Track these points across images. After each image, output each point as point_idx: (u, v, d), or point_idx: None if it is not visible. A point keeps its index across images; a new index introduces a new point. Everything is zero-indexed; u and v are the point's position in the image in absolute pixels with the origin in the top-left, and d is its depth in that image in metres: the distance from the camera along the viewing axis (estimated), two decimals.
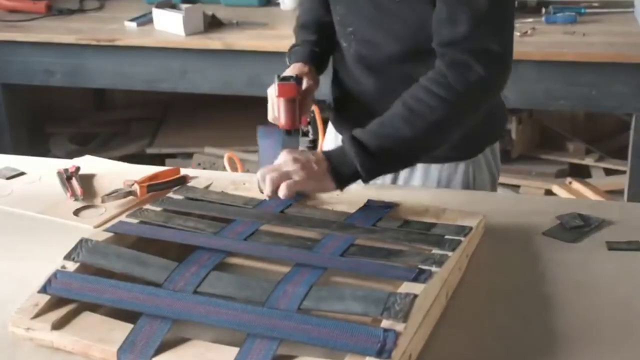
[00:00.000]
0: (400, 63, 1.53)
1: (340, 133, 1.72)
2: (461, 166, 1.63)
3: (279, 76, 1.55)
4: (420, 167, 1.63)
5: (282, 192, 1.34)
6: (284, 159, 1.38)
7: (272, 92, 1.57)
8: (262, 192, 1.38)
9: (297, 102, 1.54)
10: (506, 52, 1.40)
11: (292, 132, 1.53)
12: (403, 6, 1.47)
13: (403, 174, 1.64)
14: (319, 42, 1.69)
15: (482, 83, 1.38)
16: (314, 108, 1.66)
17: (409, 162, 1.43)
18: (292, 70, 1.62)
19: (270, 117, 1.60)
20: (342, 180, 1.38)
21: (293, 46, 1.71)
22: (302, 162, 1.36)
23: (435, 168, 1.63)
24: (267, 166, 1.39)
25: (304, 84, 1.57)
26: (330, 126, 1.78)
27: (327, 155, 1.39)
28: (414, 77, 1.44)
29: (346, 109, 1.70)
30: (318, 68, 1.67)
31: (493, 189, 1.72)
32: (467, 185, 1.65)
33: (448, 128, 1.40)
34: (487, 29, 1.37)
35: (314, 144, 1.63)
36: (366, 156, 1.36)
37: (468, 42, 1.37)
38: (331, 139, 1.76)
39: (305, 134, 1.61)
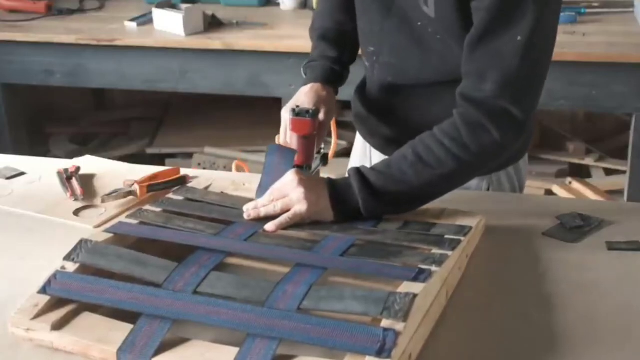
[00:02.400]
0: (430, 87, 1.50)
1: (365, 139, 1.71)
2: (475, 181, 1.58)
3: (294, 110, 1.47)
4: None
5: (271, 228, 1.32)
6: (289, 179, 1.35)
7: (286, 115, 1.50)
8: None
9: (313, 138, 1.48)
10: (527, 118, 1.34)
11: (304, 167, 1.46)
12: (444, 43, 1.42)
13: None
14: (340, 59, 1.61)
15: (496, 147, 1.34)
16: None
17: (412, 207, 1.38)
18: (309, 93, 1.53)
19: (281, 141, 1.53)
20: (341, 213, 1.35)
21: (310, 60, 1.62)
22: (305, 189, 1.33)
23: (493, 175, 1.60)
24: (273, 188, 1.37)
25: (321, 115, 1.50)
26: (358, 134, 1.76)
27: (332, 184, 1.35)
28: (444, 98, 1.43)
29: (371, 122, 1.66)
30: (337, 85, 1.61)
31: None
32: (517, 186, 1.64)
33: (454, 181, 1.39)
34: (513, 92, 1.31)
35: (324, 159, 1.57)
36: (370, 194, 1.34)
37: (490, 101, 1.31)
38: (359, 147, 1.76)
39: (317, 151, 1.54)
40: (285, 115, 1.51)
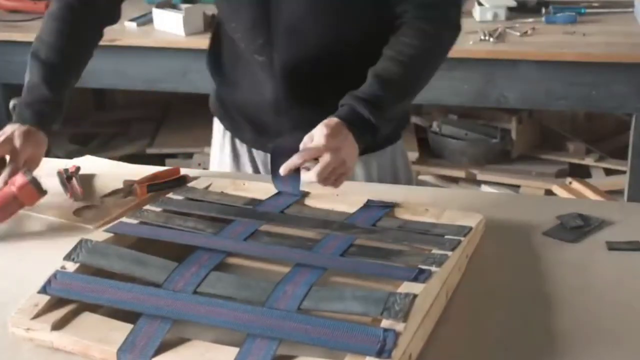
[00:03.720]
0: (338, 63, 1.55)
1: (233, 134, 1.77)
2: (389, 149, 1.71)
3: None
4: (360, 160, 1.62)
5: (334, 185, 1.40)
6: (332, 155, 1.36)
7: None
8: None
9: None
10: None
11: None
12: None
13: None
14: (56, 99, 1.56)
15: (456, 12, 1.54)
16: None
17: (408, 99, 1.52)
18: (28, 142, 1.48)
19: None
20: (364, 143, 1.43)
21: (29, 102, 1.53)
22: (346, 150, 1.38)
23: (372, 157, 1.68)
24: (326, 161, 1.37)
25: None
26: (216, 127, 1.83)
27: (349, 124, 1.39)
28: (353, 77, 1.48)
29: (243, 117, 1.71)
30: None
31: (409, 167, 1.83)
32: (401, 167, 1.74)
33: (439, 58, 1.53)
34: None
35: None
36: (378, 111, 1.42)
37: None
38: (218, 139, 1.83)
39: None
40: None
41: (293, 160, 1.37)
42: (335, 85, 1.52)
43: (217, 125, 1.85)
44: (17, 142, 1.47)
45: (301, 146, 1.39)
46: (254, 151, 1.76)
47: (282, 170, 1.37)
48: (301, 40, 1.54)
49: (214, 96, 1.82)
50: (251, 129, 1.71)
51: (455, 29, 1.53)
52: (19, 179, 1.42)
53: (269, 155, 1.67)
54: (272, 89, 1.60)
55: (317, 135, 1.37)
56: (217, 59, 1.73)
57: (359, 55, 1.51)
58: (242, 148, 1.77)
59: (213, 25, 1.76)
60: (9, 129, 1.49)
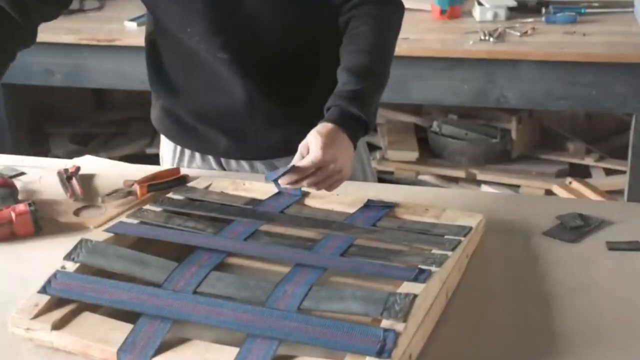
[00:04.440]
0: (293, 59, 1.57)
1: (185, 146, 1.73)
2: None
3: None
4: None
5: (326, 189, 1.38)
6: (325, 157, 1.33)
7: None
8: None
9: None
10: None
11: None
12: None
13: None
14: None
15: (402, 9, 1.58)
16: None
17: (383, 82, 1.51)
18: None
19: None
20: (357, 140, 1.42)
21: None
22: (342, 157, 1.36)
23: None
24: (322, 167, 1.34)
25: None
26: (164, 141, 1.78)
27: (343, 127, 1.38)
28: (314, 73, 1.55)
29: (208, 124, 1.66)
30: None
31: None
32: (365, 161, 1.75)
33: (396, 33, 1.57)
34: None
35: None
36: (365, 106, 1.41)
37: None
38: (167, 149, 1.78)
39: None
40: None
41: (291, 178, 1.34)
42: (304, 75, 1.55)
43: (170, 150, 1.77)
44: None
45: (297, 155, 1.36)
46: (224, 162, 1.71)
47: (282, 183, 1.35)
48: (262, 30, 1.54)
49: (161, 116, 1.77)
50: (224, 136, 1.65)
51: (400, 7, 1.57)
52: (22, 207, 1.42)
53: (244, 164, 1.68)
54: (240, 86, 1.58)
55: (312, 146, 1.34)
56: (162, 73, 1.70)
57: (320, 43, 1.56)
58: (207, 164, 1.72)
59: (146, 43, 1.75)
60: None
